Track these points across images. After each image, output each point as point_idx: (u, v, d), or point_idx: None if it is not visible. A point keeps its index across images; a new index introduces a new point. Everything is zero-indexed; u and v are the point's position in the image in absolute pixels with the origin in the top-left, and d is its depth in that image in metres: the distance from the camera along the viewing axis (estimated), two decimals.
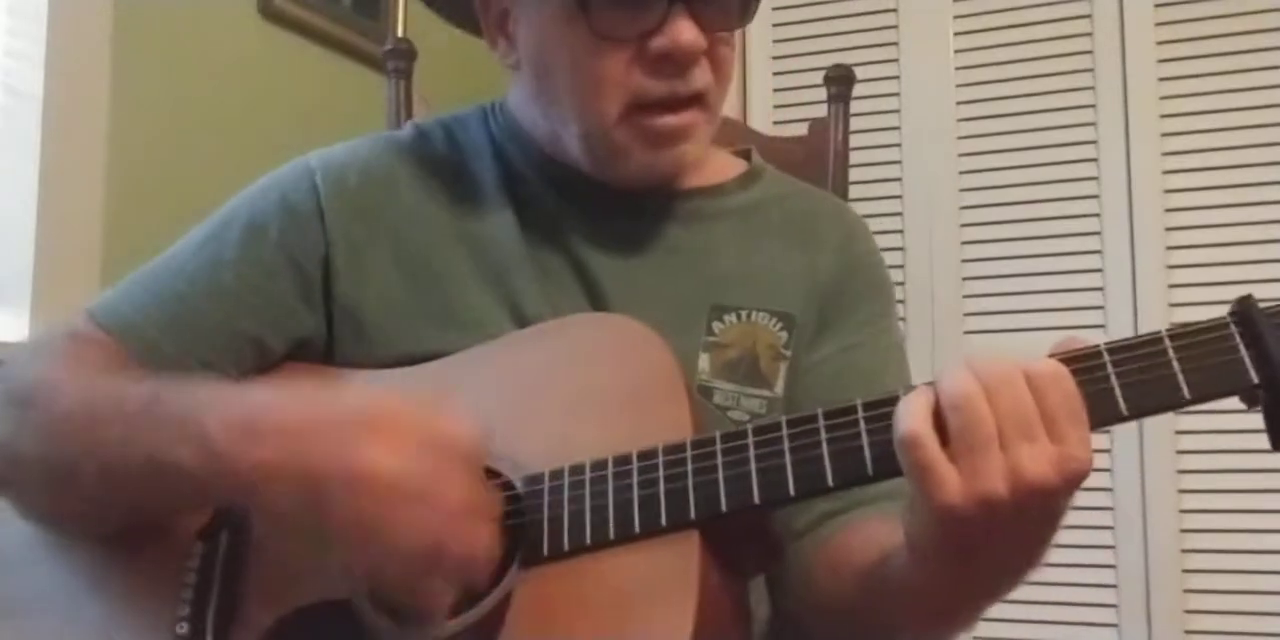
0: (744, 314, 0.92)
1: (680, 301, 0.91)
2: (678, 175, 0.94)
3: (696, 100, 0.87)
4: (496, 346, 0.86)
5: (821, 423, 0.70)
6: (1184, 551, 2.01)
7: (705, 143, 0.91)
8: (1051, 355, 0.66)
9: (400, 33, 2.17)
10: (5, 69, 1.61)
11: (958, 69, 2.22)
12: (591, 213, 0.93)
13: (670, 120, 0.87)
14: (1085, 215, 2.11)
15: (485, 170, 0.96)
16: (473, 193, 0.95)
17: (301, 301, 0.90)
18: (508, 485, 0.76)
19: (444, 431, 0.69)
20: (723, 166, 1.00)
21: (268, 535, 0.79)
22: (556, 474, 0.75)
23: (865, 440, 0.69)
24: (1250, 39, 2.04)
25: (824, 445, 0.70)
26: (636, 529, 0.71)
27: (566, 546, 0.72)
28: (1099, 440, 2.02)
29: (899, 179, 2.23)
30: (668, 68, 0.85)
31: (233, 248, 0.90)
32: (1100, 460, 2.01)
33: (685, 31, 0.83)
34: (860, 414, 0.69)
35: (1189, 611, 2.00)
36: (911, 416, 0.64)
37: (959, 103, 2.21)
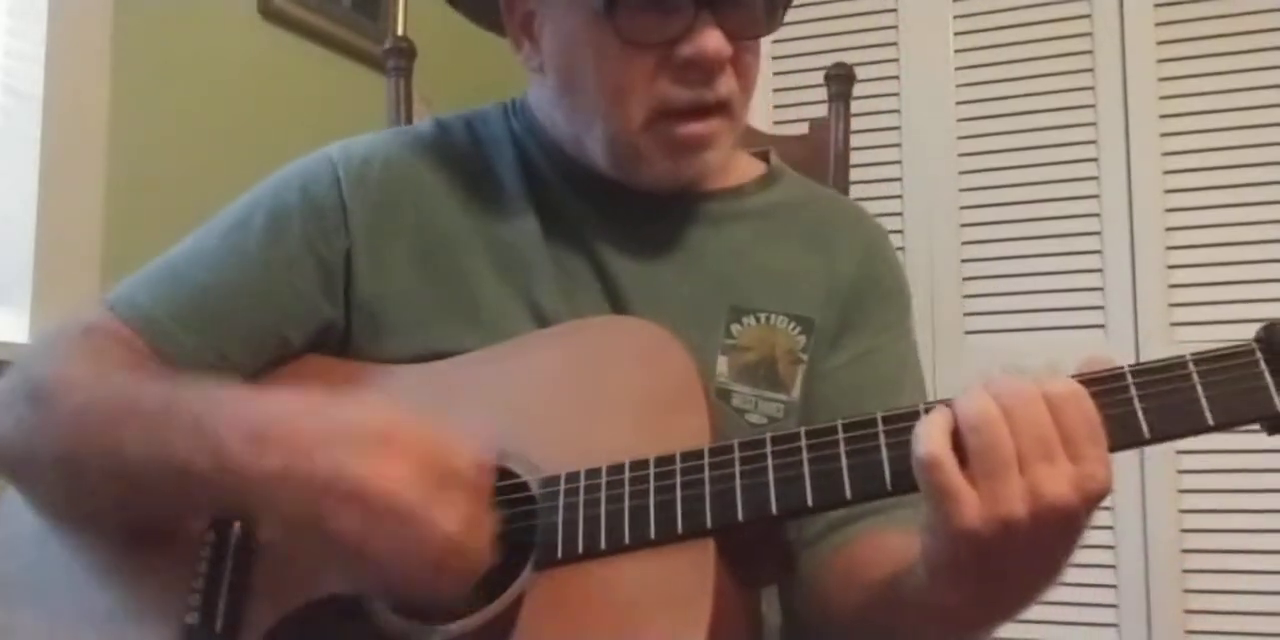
0: (763, 317, 0.91)
1: (699, 303, 0.91)
2: (699, 181, 0.93)
3: (721, 108, 0.87)
4: (514, 346, 0.86)
5: (841, 435, 0.70)
6: (1184, 551, 2.00)
7: (728, 150, 0.91)
8: (1074, 375, 0.66)
9: (400, 31, 2.17)
10: (5, 69, 1.61)
11: (958, 69, 2.22)
12: (612, 214, 0.93)
13: (695, 128, 0.86)
14: (1085, 215, 2.11)
15: (507, 168, 0.95)
16: (494, 190, 0.94)
17: (323, 295, 0.90)
18: (523, 486, 0.76)
19: (448, 451, 0.69)
20: (742, 168, 1.00)
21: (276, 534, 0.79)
22: (573, 477, 0.74)
23: (885, 455, 0.68)
24: (1250, 39, 2.04)
25: (843, 458, 0.69)
26: (652, 535, 0.71)
27: (581, 550, 0.72)
28: None
29: (899, 179, 2.23)
30: (693, 75, 0.84)
31: (256, 239, 0.90)
32: None
33: (711, 39, 0.83)
34: (880, 427, 0.69)
35: (1189, 611, 2.00)
36: (930, 439, 0.64)
37: (959, 103, 2.21)
